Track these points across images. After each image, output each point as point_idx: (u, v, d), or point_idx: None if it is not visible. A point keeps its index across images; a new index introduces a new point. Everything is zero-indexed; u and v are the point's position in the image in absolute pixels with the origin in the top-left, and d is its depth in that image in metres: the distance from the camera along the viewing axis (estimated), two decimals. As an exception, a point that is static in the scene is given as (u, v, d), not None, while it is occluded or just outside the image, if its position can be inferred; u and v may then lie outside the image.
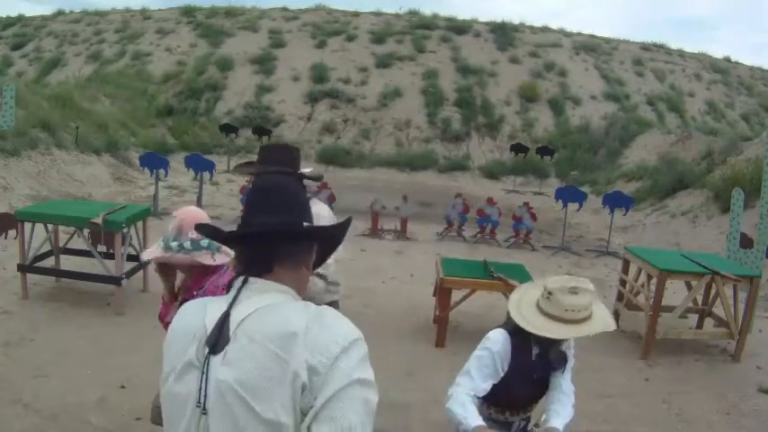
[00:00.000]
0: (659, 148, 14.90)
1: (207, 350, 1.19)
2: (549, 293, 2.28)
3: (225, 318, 1.21)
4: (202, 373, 1.18)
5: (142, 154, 11.34)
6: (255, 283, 1.27)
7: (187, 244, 2.31)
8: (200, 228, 1.47)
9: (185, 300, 2.39)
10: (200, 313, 1.27)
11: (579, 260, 9.00)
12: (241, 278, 1.29)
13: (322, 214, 3.06)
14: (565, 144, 17.40)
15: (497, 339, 2.38)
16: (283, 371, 1.13)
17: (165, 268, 2.43)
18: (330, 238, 1.45)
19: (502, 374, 2.36)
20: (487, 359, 2.34)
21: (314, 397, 1.14)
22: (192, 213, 2.40)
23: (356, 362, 1.17)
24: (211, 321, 1.23)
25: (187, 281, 2.43)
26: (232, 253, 2.40)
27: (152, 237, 5.75)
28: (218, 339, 1.19)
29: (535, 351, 2.36)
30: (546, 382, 2.43)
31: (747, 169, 9.86)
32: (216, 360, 1.18)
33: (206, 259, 2.33)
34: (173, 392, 1.23)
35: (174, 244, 2.32)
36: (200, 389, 1.18)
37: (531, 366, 2.37)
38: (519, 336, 2.33)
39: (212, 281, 2.35)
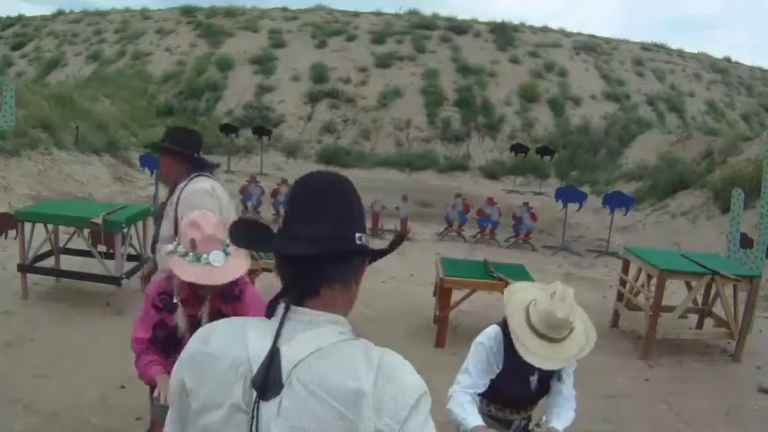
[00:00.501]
0: (659, 148, 14.90)
1: (255, 394, 1.05)
2: (535, 302, 2.25)
3: (274, 356, 1.06)
4: (252, 417, 1.05)
5: (142, 154, 11.33)
6: (304, 313, 1.11)
7: (204, 257, 2.23)
8: (236, 232, 1.22)
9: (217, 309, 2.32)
10: (239, 341, 1.11)
11: (579, 260, 9.00)
12: (283, 305, 1.12)
13: (196, 191, 2.90)
14: (565, 144, 17.42)
15: (489, 334, 2.40)
16: (346, 428, 1.02)
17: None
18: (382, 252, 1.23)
19: (497, 370, 2.36)
20: (481, 354, 2.36)
21: None
22: (208, 231, 2.27)
23: (423, 421, 1.08)
24: (256, 355, 1.07)
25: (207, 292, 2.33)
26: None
27: (152, 237, 5.74)
28: (267, 383, 1.05)
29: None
30: (546, 382, 2.43)
31: (747, 169, 9.86)
32: (267, 409, 1.04)
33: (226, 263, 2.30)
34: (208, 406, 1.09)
35: (189, 256, 2.24)
36: None
37: (525, 364, 2.36)
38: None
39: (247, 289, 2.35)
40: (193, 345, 1.18)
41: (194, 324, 2.32)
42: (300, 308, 1.11)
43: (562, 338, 2.21)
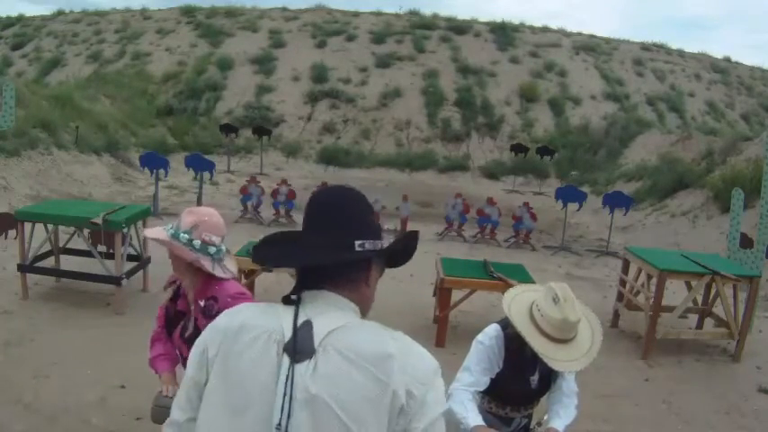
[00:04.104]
0: (659, 148, 14.90)
1: (287, 357, 1.16)
2: (539, 309, 2.23)
3: (307, 326, 1.18)
4: (287, 378, 1.14)
5: (142, 154, 11.34)
6: (328, 296, 1.25)
7: (197, 243, 2.29)
8: (259, 251, 1.34)
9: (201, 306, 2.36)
10: (271, 315, 1.23)
11: (579, 260, 9.00)
12: (306, 292, 1.26)
13: None
14: (565, 144, 17.40)
15: (490, 333, 2.39)
16: (382, 392, 1.13)
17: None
18: (394, 253, 1.35)
19: (498, 370, 2.36)
20: (482, 353, 2.35)
21: (409, 420, 1.15)
22: (213, 218, 2.37)
23: (442, 393, 1.22)
24: (289, 325, 1.19)
25: (192, 286, 2.38)
26: (232, 270, 2.41)
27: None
28: (299, 347, 1.16)
29: (529, 350, 2.31)
30: (547, 380, 2.43)
31: (747, 169, 9.87)
32: (301, 369, 1.15)
33: (207, 265, 2.32)
34: (241, 365, 1.18)
35: (184, 236, 2.29)
36: (285, 394, 1.14)
37: (525, 364, 2.36)
38: (513, 332, 2.31)
39: (218, 290, 2.31)
40: (222, 319, 1.29)
41: (178, 319, 2.43)
42: (326, 291, 1.25)
43: (575, 335, 2.21)
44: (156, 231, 2.37)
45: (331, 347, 1.16)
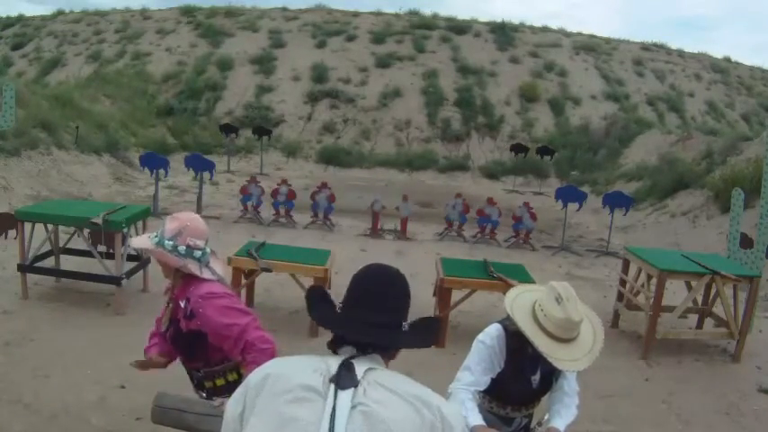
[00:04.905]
0: (659, 148, 14.90)
1: (332, 385, 1.30)
2: (542, 308, 2.22)
3: (349, 363, 1.35)
4: (334, 399, 1.28)
5: (142, 154, 11.33)
6: (372, 357, 1.44)
7: (182, 248, 2.35)
8: (312, 299, 1.59)
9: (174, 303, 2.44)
10: (316, 360, 1.39)
11: (579, 260, 8.99)
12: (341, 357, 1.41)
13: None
14: (565, 144, 17.40)
15: (491, 333, 2.38)
16: (422, 422, 1.29)
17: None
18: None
19: (499, 369, 2.35)
20: (483, 353, 2.34)
21: None
22: (196, 223, 2.43)
23: None
24: (333, 364, 1.35)
25: (175, 286, 2.45)
26: (219, 272, 2.45)
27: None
28: (343, 379, 1.31)
29: (531, 349, 2.30)
30: (548, 379, 2.42)
31: (747, 169, 9.86)
32: (346, 396, 1.28)
33: (194, 268, 2.36)
34: (286, 412, 1.28)
35: (168, 243, 2.35)
36: (332, 414, 1.26)
37: (527, 363, 2.36)
38: (514, 331, 2.31)
39: (192, 291, 2.36)
40: (258, 374, 1.40)
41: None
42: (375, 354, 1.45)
43: (577, 335, 2.21)
44: (142, 240, 2.45)
45: (374, 381, 1.33)
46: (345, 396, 1.28)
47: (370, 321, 1.44)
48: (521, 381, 2.38)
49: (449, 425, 1.32)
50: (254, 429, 1.29)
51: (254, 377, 1.39)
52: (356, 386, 1.30)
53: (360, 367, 1.35)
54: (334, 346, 1.46)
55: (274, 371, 1.37)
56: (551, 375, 2.40)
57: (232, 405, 1.38)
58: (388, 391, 1.31)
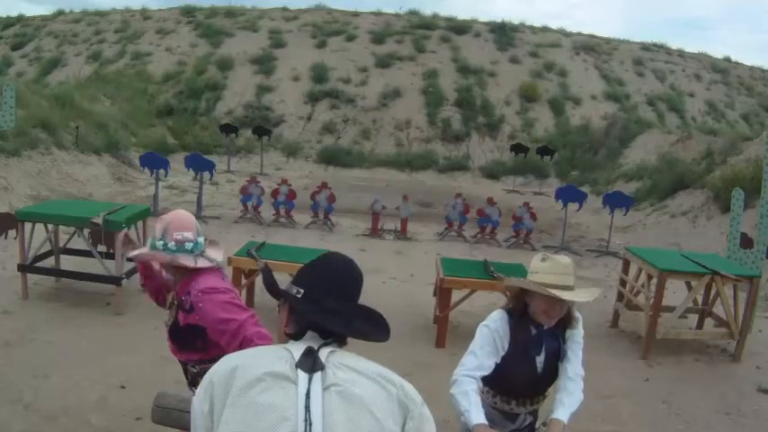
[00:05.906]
0: (659, 148, 14.90)
1: (299, 370, 1.34)
2: (535, 271, 2.39)
3: (311, 348, 1.40)
4: (308, 383, 1.32)
5: (142, 154, 11.34)
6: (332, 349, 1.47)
7: (171, 245, 2.38)
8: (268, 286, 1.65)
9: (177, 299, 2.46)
10: (281, 348, 1.43)
11: (579, 260, 8.99)
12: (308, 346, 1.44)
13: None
14: (565, 144, 17.40)
15: (494, 317, 2.43)
16: (389, 396, 1.38)
17: (145, 270, 2.62)
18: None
19: (503, 352, 2.37)
20: (487, 336, 2.37)
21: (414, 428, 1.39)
22: (180, 216, 2.47)
23: (429, 415, 1.44)
24: (296, 351, 1.39)
25: (176, 283, 2.47)
26: (215, 259, 2.47)
27: (152, 237, 5.75)
28: (310, 364, 1.35)
29: (534, 330, 2.39)
30: (553, 363, 2.42)
31: (747, 169, 9.86)
32: (316, 378, 1.33)
33: (188, 261, 2.38)
34: (261, 401, 1.30)
35: (159, 243, 2.39)
36: (307, 395, 1.30)
37: (531, 344, 2.38)
38: (518, 315, 2.39)
39: (194, 286, 2.38)
40: (223, 367, 1.40)
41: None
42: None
43: (574, 285, 2.35)
44: (139, 251, 2.53)
45: (339, 363, 1.38)
46: (316, 379, 1.33)
47: (348, 311, 1.52)
48: (525, 363, 2.38)
49: (411, 399, 1.40)
50: (231, 422, 1.29)
51: (218, 371, 1.39)
52: (323, 369, 1.35)
53: (322, 351, 1.40)
54: (297, 335, 1.49)
55: (240, 362, 1.38)
56: (555, 357, 2.41)
57: (198, 403, 1.38)
58: (353, 371, 1.38)
